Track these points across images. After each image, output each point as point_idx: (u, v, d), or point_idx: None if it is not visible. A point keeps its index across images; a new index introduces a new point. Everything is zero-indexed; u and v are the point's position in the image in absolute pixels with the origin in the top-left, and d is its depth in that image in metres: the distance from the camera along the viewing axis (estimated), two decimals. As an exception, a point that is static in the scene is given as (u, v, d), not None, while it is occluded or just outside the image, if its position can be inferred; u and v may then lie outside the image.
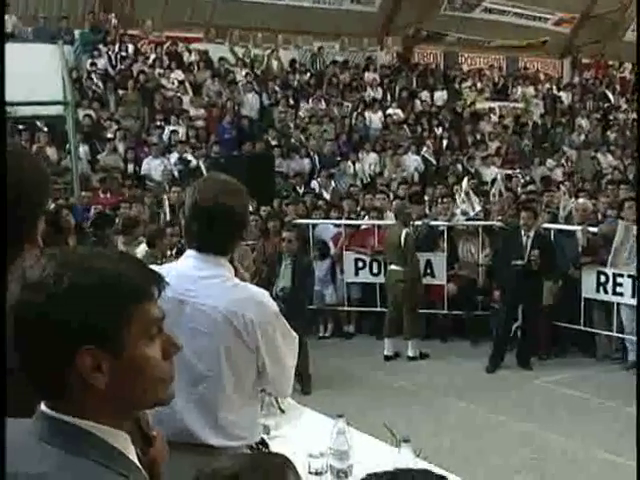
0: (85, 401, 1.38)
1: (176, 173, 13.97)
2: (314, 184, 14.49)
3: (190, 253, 2.85)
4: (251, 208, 10.16)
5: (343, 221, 10.95)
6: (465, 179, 11.77)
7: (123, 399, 1.41)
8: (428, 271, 10.17)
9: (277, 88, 17.91)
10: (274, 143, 15.68)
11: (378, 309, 10.26)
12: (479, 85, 20.66)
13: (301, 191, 13.69)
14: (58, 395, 1.37)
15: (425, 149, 16.72)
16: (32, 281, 1.32)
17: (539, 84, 22.04)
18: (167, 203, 11.34)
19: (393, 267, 9.40)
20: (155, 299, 1.42)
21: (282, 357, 2.84)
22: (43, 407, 1.39)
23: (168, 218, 10.61)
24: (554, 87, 22.20)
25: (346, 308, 10.79)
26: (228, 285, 2.81)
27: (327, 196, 13.51)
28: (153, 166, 14.04)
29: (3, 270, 1.01)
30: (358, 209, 11.62)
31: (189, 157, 14.42)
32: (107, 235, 8.88)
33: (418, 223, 10.08)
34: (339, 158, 15.88)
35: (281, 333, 2.83)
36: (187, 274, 2.81)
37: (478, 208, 10.79)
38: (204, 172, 12.70)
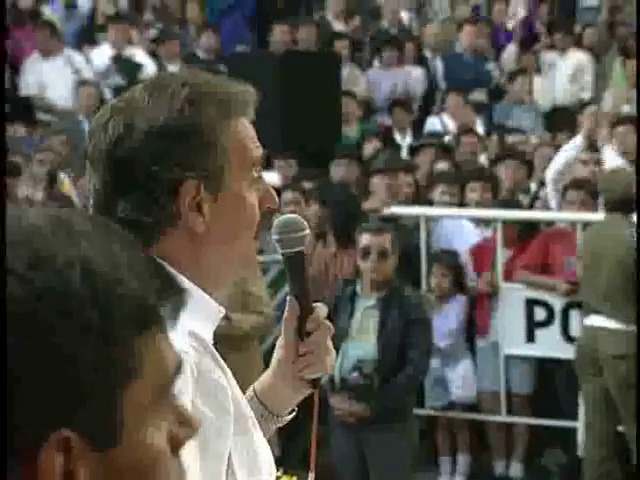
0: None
1: (108, 92, 7.85)
2: (432, 123, 8.28)
3: None
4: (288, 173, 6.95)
5: (501, 211, 6.34)
6: None
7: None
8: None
9: None
10: (339, 28, 9.07)
11: (573, 423, 5.94)
12: None
13: (405, 141, 7.74)
14: None
15: None
16: None
17: None
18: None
19: (599, 321, 5.62)
20: None
21: None
22: None
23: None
24: None
25: (504, 419, 6.13)
26: None
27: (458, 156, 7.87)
28: (48, 75, 8.25)
29: (3, 271, 0.90)
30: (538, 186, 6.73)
31: (136, 54, 8.84)
32: None
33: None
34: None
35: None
36: None
37: None
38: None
